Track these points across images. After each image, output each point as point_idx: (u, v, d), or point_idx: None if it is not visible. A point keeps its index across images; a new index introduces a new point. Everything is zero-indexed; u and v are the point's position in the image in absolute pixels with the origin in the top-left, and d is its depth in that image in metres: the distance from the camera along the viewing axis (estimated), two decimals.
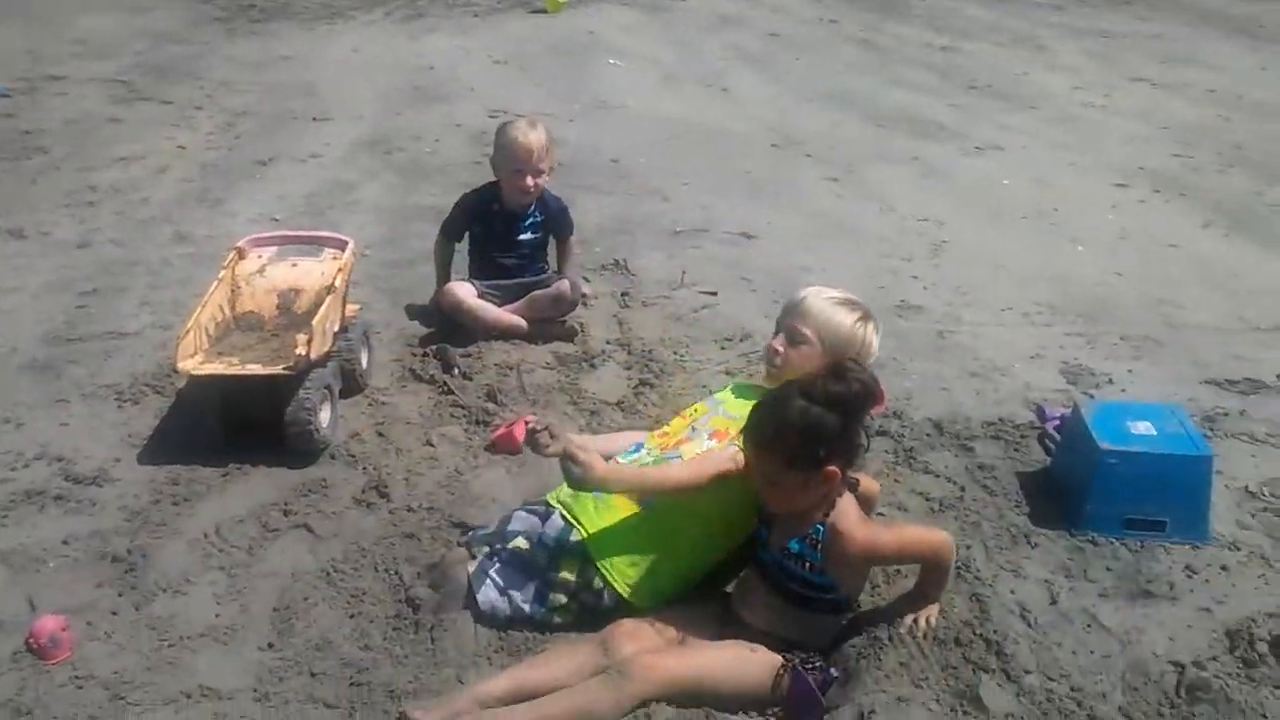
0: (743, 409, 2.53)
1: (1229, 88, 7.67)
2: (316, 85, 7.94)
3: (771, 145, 6.40)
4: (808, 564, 2.33)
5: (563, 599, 2.51)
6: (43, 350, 3.85)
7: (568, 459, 2.36)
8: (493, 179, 4.09)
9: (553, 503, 2.70)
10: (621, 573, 2.52)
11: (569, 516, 2.61)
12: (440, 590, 2.58)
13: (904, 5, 11.04)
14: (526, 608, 2.50)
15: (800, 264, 4.65)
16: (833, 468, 2.26)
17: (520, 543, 2.58)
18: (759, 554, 2.47)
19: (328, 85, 7.95)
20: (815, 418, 2.22)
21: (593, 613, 2.52)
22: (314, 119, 7.07)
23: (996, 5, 10.96)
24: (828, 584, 2.34)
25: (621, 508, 2.58)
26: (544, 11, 10.73)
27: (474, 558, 2.59)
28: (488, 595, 2.51)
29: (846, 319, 2.67)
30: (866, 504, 2.46)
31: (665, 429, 2.83)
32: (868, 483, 2.50)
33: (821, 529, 2.31)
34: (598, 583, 2.52)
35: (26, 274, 4.54)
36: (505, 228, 4.04)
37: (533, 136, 3.85)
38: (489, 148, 6.21)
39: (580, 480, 2.38)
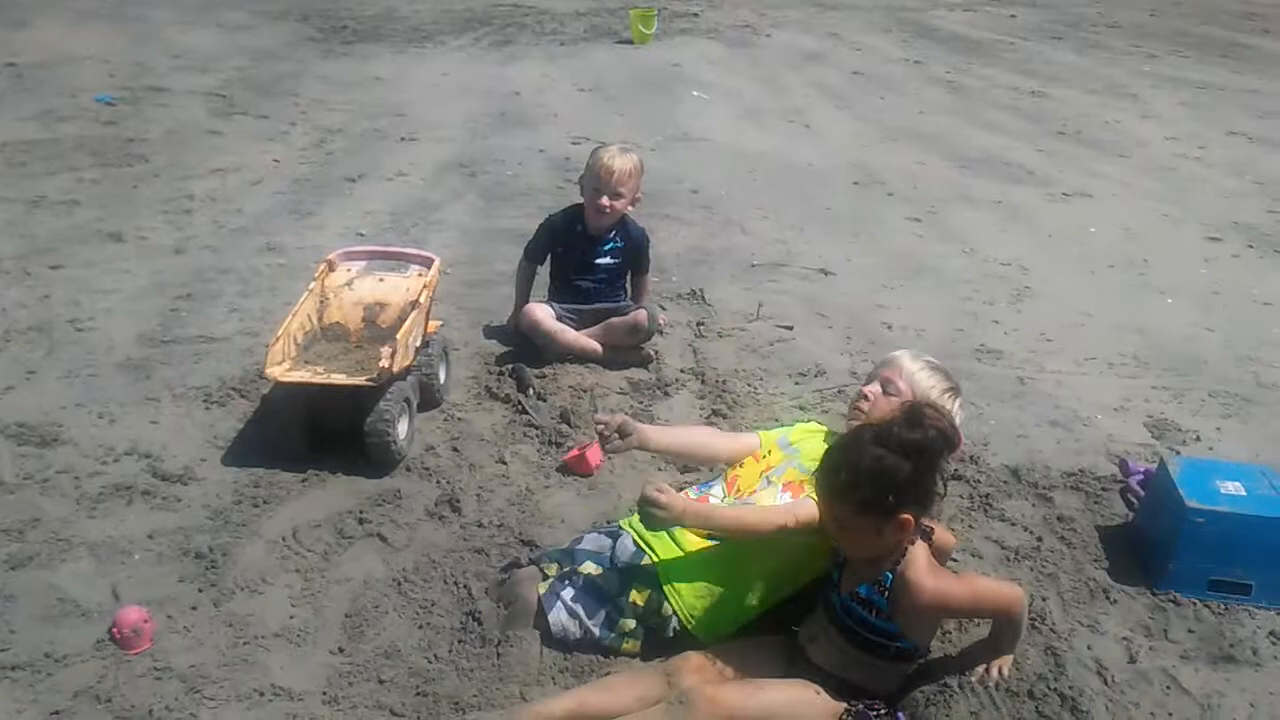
0: (818, 457, 2.53)
1: None
2: (406, 106, 8.14)
3: (853, 183, 6.38)
4: (875, 610, 2.30)
5: (631, 624, 2.53)
6: (137, 350, 3.98)
7: (647, 502, 2.38)
8: (580, 201, 4.13)
9: (625, 527, 2.72)
10: (688, 603, 2.54)
11: (641, 542, 2.63)
12: (508, 607, 2.60)
13: (992, 49, 10.97)
14: (597, 631, 2.52)
15: (878, 302, 4.62)
16: (906, 515, 2.20)
17: (591, 566, 2.61)
18: (829, 595, 2.44)
19: (416, 107, 8.15)
20: (889, 465, 2.16)
21: (656, 640, 2.54)
22: (402, 139, 7.25)
23: (1089, 52, 10.83)
24: (894, 631, 2.30)
25: (695, 538, 2.60)
26: (630, 43, 10.89)
27: (546, 577, 2.61)
28: (559, 617, 2.53)
29: (937, 385, 2.75)
30: (940, 554, 2.41)
31: (737, 471, 2.83)
32: (943, 534, 2.46)
33: (890, 576, 2.27)
34: (666, 609, 2.53)
35: (124, 277, 4.71)
36: (585, 250, 4.08)
37: (618, 161, 3.89)
38: (571, 173, 6.41)
39: (661, 522, 2.42)
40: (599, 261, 4.10)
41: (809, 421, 3.07)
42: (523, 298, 4.18)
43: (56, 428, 3.41)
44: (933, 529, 2.35)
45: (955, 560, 2.78)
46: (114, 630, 2.48)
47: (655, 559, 2.59)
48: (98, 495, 3.07)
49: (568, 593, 2.55)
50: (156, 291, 4.56)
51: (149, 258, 4.96)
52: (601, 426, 2.68)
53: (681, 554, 2.60)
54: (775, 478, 2.70)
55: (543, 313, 3.97)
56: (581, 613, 2.53)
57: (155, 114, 7.68)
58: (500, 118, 7.92)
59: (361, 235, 5.31)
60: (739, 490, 2.73)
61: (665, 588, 2.54)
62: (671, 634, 2.54)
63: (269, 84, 8.80)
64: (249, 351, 3.98)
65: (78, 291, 4.51)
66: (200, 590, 2.68)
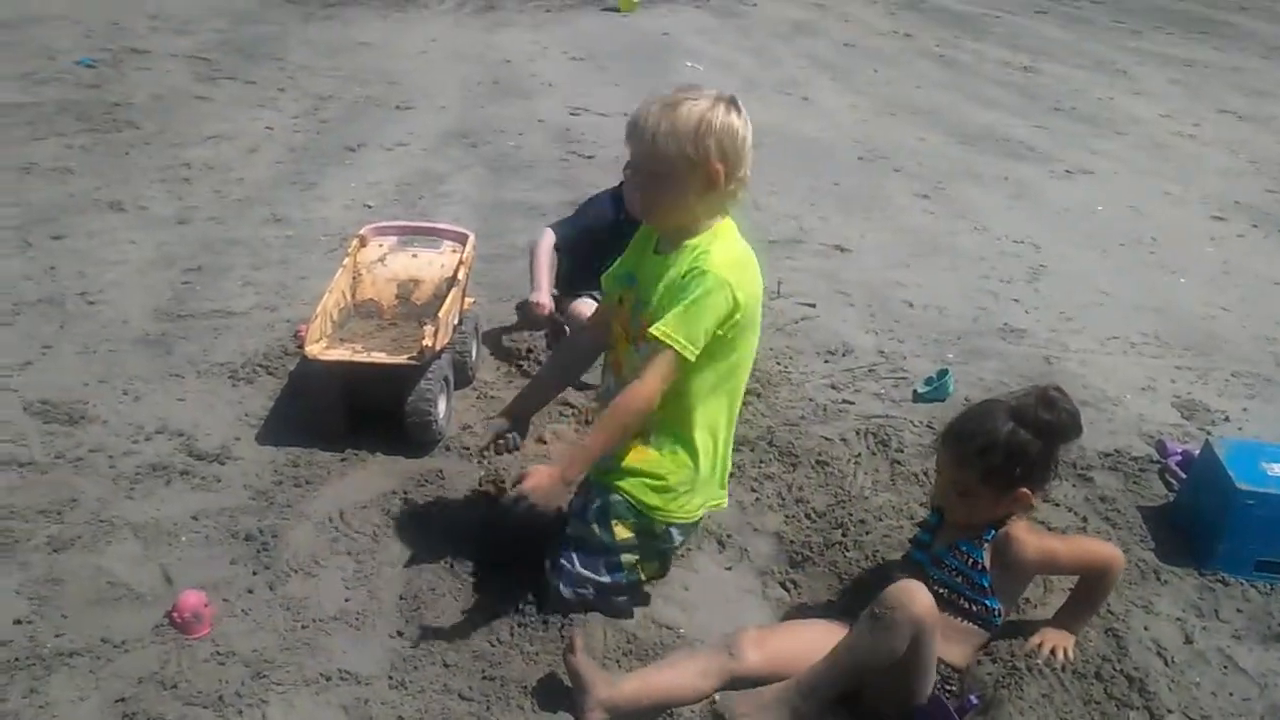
0: (656, 278, 2.40)
1: None
2: (397, 74, 8.00)
3: (858, 158, 6.37)
4: (971, 561, 2.37)
5: (633, 557, 2.52)
6: (154, 325, 3.89)
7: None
8: (613, 187, 4.03)
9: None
10: (667, 509, 2.48)
11: (596, 479, 2.56)
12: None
13: (979, 22, 10.97)
14: (607, 579, 2.51)
15: (897, 280, 4.62)
16: (1025, 490, 2.31)
17: (573, 525, 2.56)
18: (914, 554, 2.50)
19: (408, 74, 8.01)
20: (1023, 440, 2.28)
21: (668, 555, 2.58)
22: (397, 107, 7.14)
23: (1074, 27, 10.87)
24: (984, 586, 2.36)
25: (631, 451, 2.49)
26: (616, 10, 10.76)
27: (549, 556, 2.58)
28: (570, 588, 2.51)
29: (690, 115, 2.27)
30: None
31: (614, 355, 2.60)
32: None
33: (993, 531, 2.36)
34: (657, 526, 2.50)
35: (129, 248, 4.60)
36: (625, 236, 3.99)
37: None
38: (574, 145, 6.33)
39: (557, 497, 2.36)
40: None
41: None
42: (547, 282, 3.82)
43: (82, 405, 3.33)
44: (1033, 505, 2.43)
45: None
46: (173, 614, 2.43)
47: (617, 488, 2.49)
48: (134, 475, 3.01)
49: (565, 559, 2.52)
50: (165, 264, 4.46)
51: (152, 228, 4.84)
52: (487, 447, 2.61)
53: (629, 466, 2.49)
54: (635, 334, 2.45)
55: (588, 308, 3.73)
56: (585, 571, 2.50)
57: (138, 78, 7.49)
58: (494, 86, 7.81)
59: (369, 207, 5.22)
60: (623, 373, 2.51)
61: (645, 511, 2.47)
62: (677, 540, 2.57)
63: (251, 47, 8.62)
64: (269, 327, 3.91)
65: (83, 263, 4.40)
66: (254, 573, 2.63)
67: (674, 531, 2.55)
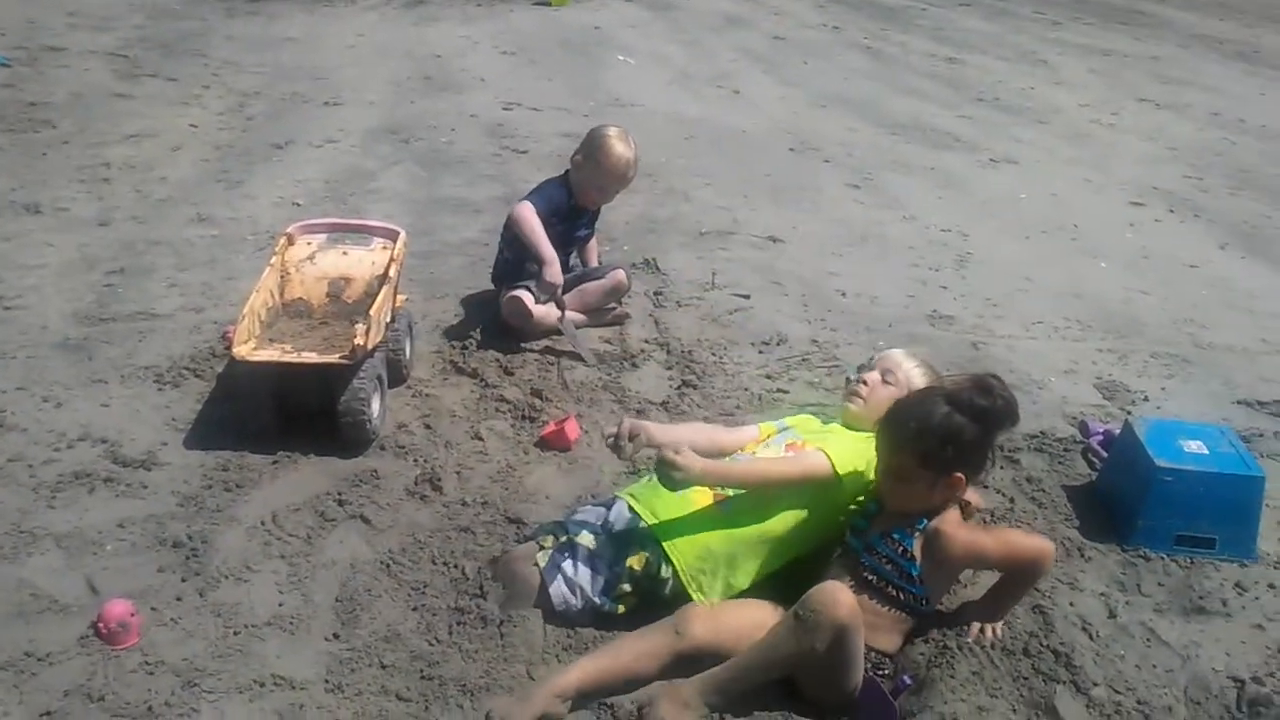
0: (812, 435, 2.73)
1: (1231, 111, 7.80)
2: (324, 69, 7.89)
3: (789, 149, 6.43)
4: (901, 548, 2.40)
5: (627, 587, 2.53)
6: (75, 329, 3.79)
7: (665, 464, 2.42)
8: (562, 173, 4.01)
9: (621, 495, 2.72)
10: (689, 563, 2.55)
11: (639, 507, 2.63)
12: (506, 586, 2.58)
13: (905, 14, 11.14)
14: (597, 599, 2.52)
15: (829, 270, 4.68)
16: (960, 476, 2.37)
17: (586, 536, 2.59)
18: (850, 540, 2.53)
19: (336, 70, 7.90)
20: (958, 424, 2.34)
21: (653, 601, 2.55)
22: (325, 103, 7.03)
23: (997, 19, 11.09)
24: (913, 574, 2.39)
25: (695, 502, 2.61)
26: (548, 4, 10.72)
27: (542, 549, 2.58)
28: (559, 589, 2.51)
29: (922, 383, 2.82)
30: (966, 513, 2.51)
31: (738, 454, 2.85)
32: (973, 494, 2.57)
33: (924, 521, 2.40)
34: (665, 571, 2.54)
35: (48, 250, 4.47)
36: (570, 225, 4.02)
37: (632, 154, 3.86)
38: (507, 140, 6.30)
39: (680, 483, 2.45)
40: (579, 234, 4.08)
41: (805, 412, 3.11)
42: (554, 251, 3.78)
43: (0, 413, 3.23)
44: (969, 502, 2.49)
45: None
46: (99, 625, 2.37)
47: (655, 520, 2.58)
48: (56, 484, 2.92)
49: (567, 564, 2.54)
50: (86, 266, 4.34)
51: (72, 230, 4.71)
52: (611, 438, 2.66)
53: (681, 516, 2.59)
54: (773, 445, 2.77)
55: (529, 299, 3.78)
56: (582, 582, 2.52)
57: (56, 75, 7.29)
58: (425, 81, 7.73)
59: (298, 205, 5.14)
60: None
61: (665, 546, 2.54)
62: (669, 594, 2.55)
63: (174, 44, 8.42)
64: (196, 329, 3.83)
65: (0, 267, 4.27)
66: (183, 580, 2.58)
67: (670, 581, 2.54)
